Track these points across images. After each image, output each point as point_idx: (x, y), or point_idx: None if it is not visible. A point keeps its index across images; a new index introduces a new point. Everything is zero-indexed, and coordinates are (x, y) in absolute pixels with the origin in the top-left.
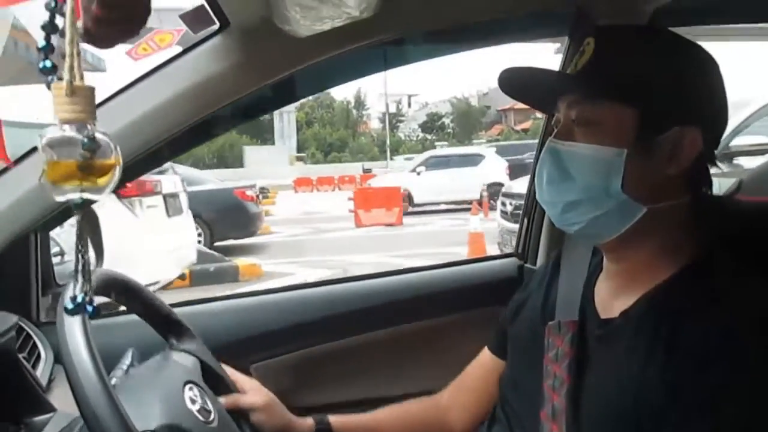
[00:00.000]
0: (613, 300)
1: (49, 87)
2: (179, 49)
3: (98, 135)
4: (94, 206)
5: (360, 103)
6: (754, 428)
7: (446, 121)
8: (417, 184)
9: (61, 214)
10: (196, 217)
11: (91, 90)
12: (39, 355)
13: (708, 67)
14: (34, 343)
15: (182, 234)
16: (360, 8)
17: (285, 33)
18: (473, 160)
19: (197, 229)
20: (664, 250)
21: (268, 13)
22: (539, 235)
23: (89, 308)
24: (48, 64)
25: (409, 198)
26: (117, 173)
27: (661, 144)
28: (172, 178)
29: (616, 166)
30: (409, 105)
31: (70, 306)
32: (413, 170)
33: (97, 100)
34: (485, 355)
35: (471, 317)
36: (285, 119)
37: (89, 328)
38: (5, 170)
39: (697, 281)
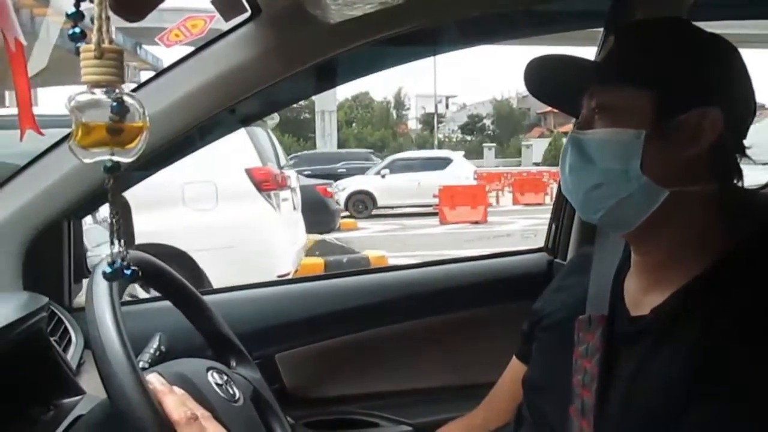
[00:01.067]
0: (643, 296)
1: (77, 53)
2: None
3: (126, 98)
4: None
5: (400, 104)
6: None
7: (487, 122)
8: (380, 186)
9: (92, 201)
10: None
11: (120, 52)
12: (70, 340)
13: (728, 53)
14: (65, 327)
15: (301, 227)
16: None
17: (317, 20)
18: (439, 163)
19: None
20: (692, 243)
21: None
22: (570, 230)
23: (127, 272)
24: (77, 30)
25: (372, 200)
26: (145, 136)
27: (680, 125)
28: (293, 173)
29: (634, 147)
30: (447, 106)
31: (108, 270)
32: (377, 173)
33: (130, 88)
34: (514, 365)
35: (498, 312)
36: (327, 118)
37: (119, 313)
38: (39, 157)
39: (729, 276)
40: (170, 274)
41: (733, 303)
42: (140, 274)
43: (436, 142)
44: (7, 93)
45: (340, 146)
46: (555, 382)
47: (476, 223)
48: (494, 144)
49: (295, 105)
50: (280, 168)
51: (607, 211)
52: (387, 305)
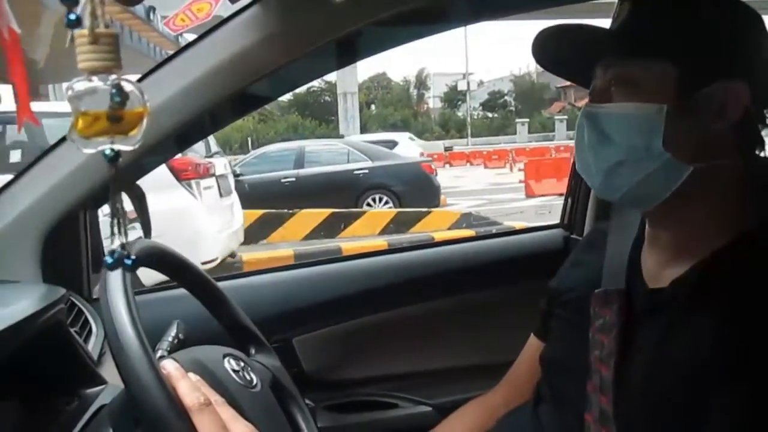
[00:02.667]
0: (662, 269)
1: (72, 39)
2: (217, 19)
3: (125, 84)
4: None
5: (422, 83)
6: None
7: (508, 99)
8: None
9: (105, 192)
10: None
11: (115, 36)
12: (90, 330)
13: (752, 21)
14: (86, 318)
15: (231, 214)
16: None
17: (322, 0)
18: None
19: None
20: (715, 216)
21: None
22: (585, 206)
23: (128, 261)
24: (73, 17)
25: None
26: (145, 123)
27: (704, 99)
28: (222, 160)
29: (656, 123)
30: (467, 85)
31: (109, 260)
32: None
33: (138, 76)
34: (533, 342)
35: (515, 290)
36: (349, 100)
37: (132, 301)
38: (53, 149)
39: (754, 250)
40: (186, 263)
41: (756, 278)
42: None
43: (469, 120)
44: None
45: (362, 129)
46: (573, 358)
47: (562, 194)
48: (527, 120)
49: (315, 88)
50: (209, 156)
51: (628, 189)
52: (403, 286)
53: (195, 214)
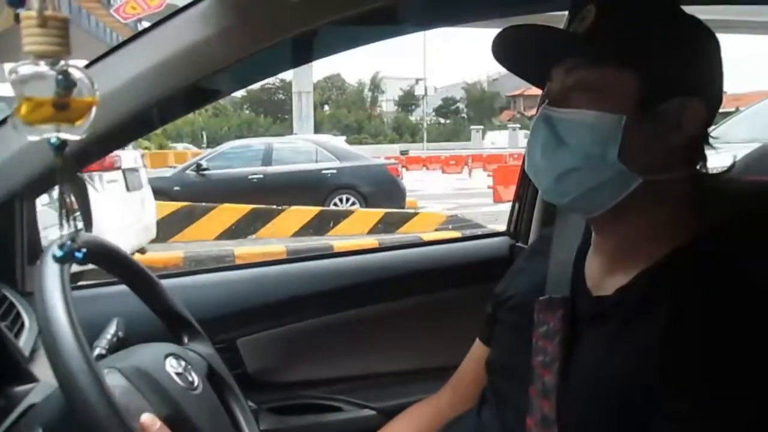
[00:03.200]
0: (606, 276)
1: (17, 19)
2: (169, 9)
3: (73, 71)
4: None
5: (376, 86)
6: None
7: (460, 106)
8: None
9: (45, 180)
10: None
11: (65, 21)
12: (23, 325)
13: (709, 40)
14: (18, 312)
15: (141, 208)
16: None
17: None
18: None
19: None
20: (659, 226)
21: None
22: (531, 214)
23: (78, 254)
24: None
25: None
26: (93, 112)
27: (662, 113)
28: (133, 153)
29: (614, 133)
30: (415, 89)
31: (59, 253)
32: None
33: (83, 64)
34: (478, 347)
35: (462, 295)
36: (304, 99)
37: (70, 298)
38: None
39: (696, 261)
40: (119, 252)
41: (697, 288)
42: (88, 255)
43: (425, 125)
44: None
45: (316, 129)
46: (516, 363)
47: None
48: (482, 126)
49: (269, 85)
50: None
51: (577, 195)
52: (350, 290)
53: (98, 208)
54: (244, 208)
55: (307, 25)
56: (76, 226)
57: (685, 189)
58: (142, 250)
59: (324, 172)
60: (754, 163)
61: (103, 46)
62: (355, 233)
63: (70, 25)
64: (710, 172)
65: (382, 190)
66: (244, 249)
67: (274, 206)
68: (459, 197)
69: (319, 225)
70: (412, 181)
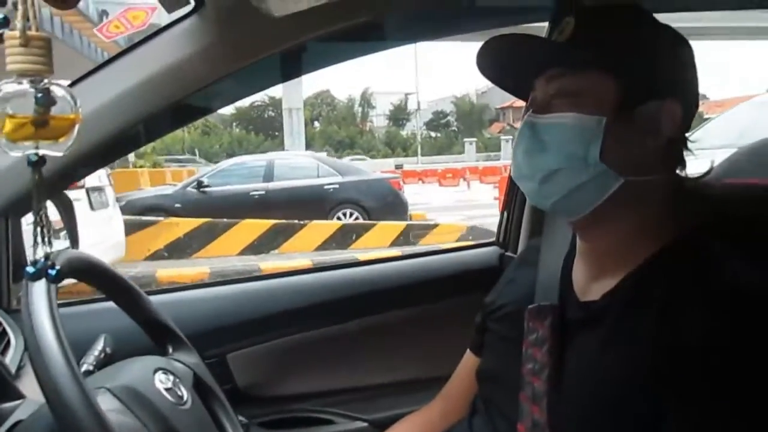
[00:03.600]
0: (592, 282)
1: (1, 39)
2: (153, 28)
3: (55, 89)
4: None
5: (367, 101)
6: (743, 407)
7: (451, 119)
8: None
9: (30, 199)
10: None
11: (47, 40)
12: (9, 342)
13: (683, 46)
14: (4, 329)
15: (108, 227)
16: None
17: (262, 14)
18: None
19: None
20: (641, 229)
21: None
22: (520, 223)
23: (51, 272)
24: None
25: None
26: (76, 130)
27: (640, 115)
28: (97, 172)
29: (595, 134)
30: (406, 103)
31: (31, 270)
32: None
33: (68, 82)
34: (468, 357)
35: (452, 306)
36: (294, 116)
37: (57, 314)
38: None
39: (679, 262)
40: (102, 266)
41: (680, 288)
42: (69, 271)
43: (419, 138)
44: None
45: (307, 145)
46: (506, 371)
47: None
48: (475, 139)
49: (258, 102)
50: None
51: (561, 197)
52: (339, 303)
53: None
54: (267, 224)
55: (290, 41)
56: (50, 244)
57: (665, 192)
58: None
59: (326, 187)
60: (731, 167)
61: (93, 65)
62: (378, 246)
63: (61, 45)
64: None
65: (385, 203)
66: (269, 264)
67: (296, 221)
68: (464, 209)
69: (342, 238)
70: (410, 194)
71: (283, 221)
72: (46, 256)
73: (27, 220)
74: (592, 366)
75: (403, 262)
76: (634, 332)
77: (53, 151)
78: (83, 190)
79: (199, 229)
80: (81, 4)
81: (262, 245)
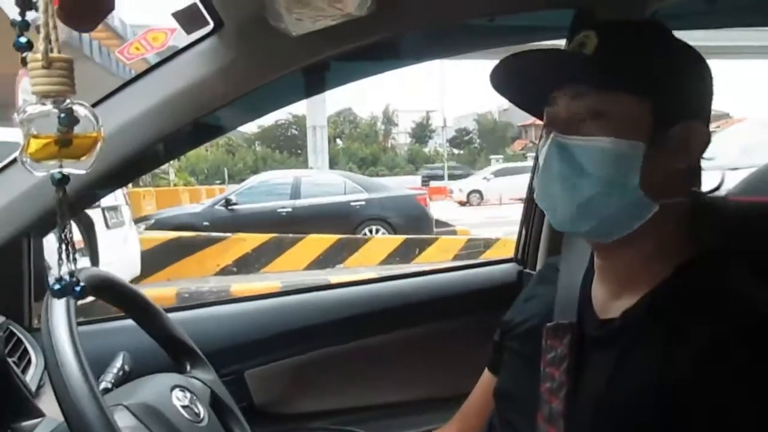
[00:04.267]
0: (611, 301)
1: (24, 63)
2: (173, 49)
3: (78, 108)
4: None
5: (389, 119)
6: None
7: (473, 136)
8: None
9: (52, 219)
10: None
11: (69, 62)
12: (30, 361)
13: (702, 65)
14: (25, 348)
15: (123, 246)
16: (355, 6)
17: (280, 33)
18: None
19: (382, 229)
20: (660, 249)
21: (262, 12)
22: (538, 240)
23: (76, 289)
24: (23, 40)
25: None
26: (98, 148)
27: (671, 137)
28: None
29: (634, 159)
30: (428, 121)
31: (57, 287)
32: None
33: (91, 102)
34: (487, 376)
35: (470, 323)
36: (318, 134)
37: (76, 333)
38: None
39: (698, 280)
40: (122, 284)
41: (699, 305)
42: (89, 288)
43: (445, 155)
44: None
45: (331, 162)
46: (524, 390)
47: None
48: (501, 156)
49: (281, 120)
50: None
51: (597, 223)
52: (357, 319)
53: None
54: (332, 238)
55: (309, 59)
56: (75, 261)
57: (685, 209)
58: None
59: (353, 204)
60: (748, 185)
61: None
62: (440, 260)
63: (96, 65)
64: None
65: (411, 219)
66: (337, 278)
67: (359, 236)
68: (501, 225)
69: (405, 252)
70: (440, 211)
71: (349, 236)
72: (71, 273)
73: (48, 240)
74: (607, 386)
75: (420, 279)
76: (651, 352)
77: (76, 169)
78: (99, 210)
79: (267, 244)
80: (116, 24)
81: (328, 260)
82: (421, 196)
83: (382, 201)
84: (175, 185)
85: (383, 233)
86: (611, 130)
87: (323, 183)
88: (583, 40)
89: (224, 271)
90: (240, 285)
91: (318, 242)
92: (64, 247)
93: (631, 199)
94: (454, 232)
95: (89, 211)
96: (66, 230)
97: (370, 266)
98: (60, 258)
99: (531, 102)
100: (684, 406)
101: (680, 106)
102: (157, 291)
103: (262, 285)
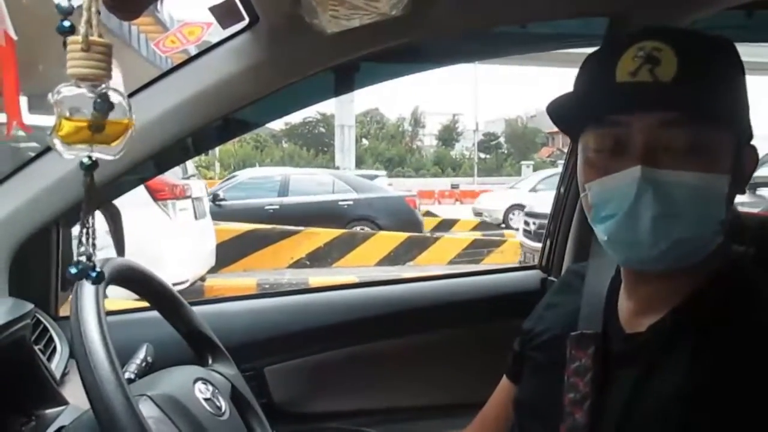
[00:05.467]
0: (639, 315)
1: (65, 45)
2: (207, 43)
3: (112, 94)
4: (119, 204)
5: (417, 121)
6: None
7: (501, 141)
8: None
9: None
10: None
11: (108, 47)
12: (55, 349)
13: (744, 79)
14: (51, 336)
15: (207, 236)
16: (391, 6)
17: (314, 30)
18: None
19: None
20: (694, 265)
21: (297, 8)
22: (564, 248)
23: (92, 273)
24: (66, 24)
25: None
26: (129, 135)
27: (740, 165)
28: (199, 183)
29: (723, 194)
30: (456, 124)
31: (73, 270)
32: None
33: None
34: (505, 384)
35: (491, 329)
36: (346, 133)
37: (104, 322)
38: (28, 163)
39: (722, 295)
40: (148, 275)
41: (725, 319)
42: (116, 278)
43: (476, 159)
44: None
45: (357, 162)
46: (546, 401)
47: None
48: (532, 162)
49: (310, 119)
50: (185, 178)
51: (673, 259)
52: (379, 320)
53: (168, 234)
54: (401, 236)
55: (342, 57)
56: (94, 246)
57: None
58: (203, 278)
59: (341, 203)
60: None
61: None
62: (509, 261)
63: (140, 57)
64: None
65: (400, 221)
66: (408, 275)
67: (429, 234)
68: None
69: (474, 252)
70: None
71: (418, 234)
72: (88, 257)
73: (76, 231)
74: (631, 400)
75: (442, 282)
76: (678, 367)
77: (105, 155)
78: (190, 200)
79: (339, 239)
80: (165, 18)
81: (398, 257)
82: (411, 197)
83: (371, 201)
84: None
85: None
86: (704, 165)
87: (312, 181)
88: (650, 53)
89: (297, 264)
90: (317, 278)
91: (388, 239)
92: (84, 231)
93: (714, 231)
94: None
95: (181, 201)
96: (89, 215)
97: (439, 264)
98: (80, 242)
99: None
100: (709, 422)
101: (746, 131)
102: (237, 281)
103: (338, 279)
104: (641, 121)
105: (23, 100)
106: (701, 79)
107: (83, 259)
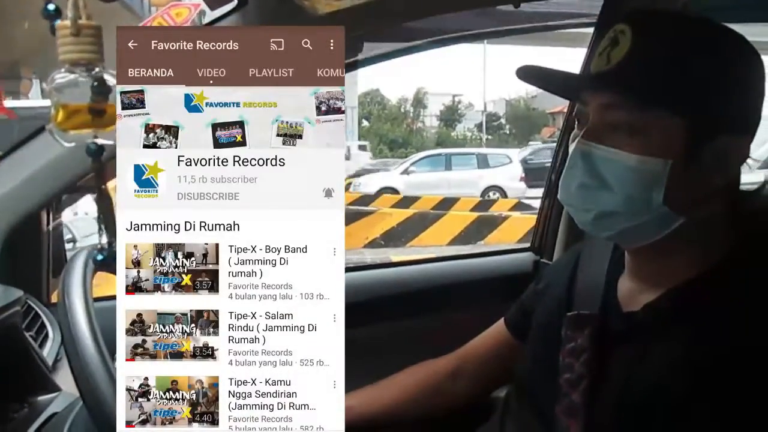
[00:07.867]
0: (637, 294)
1: (53, 31)
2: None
3: (108, 77)
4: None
5: (419, 101)
6: None
7: (503, 121)
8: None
9: (72, 193)
10: None
11: (98, 29)
12: (47, 335)
13: (755, 64)
14: (42, 323)
15: None
16: None
17: (304, 11)
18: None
19: None
20: (693, 249)
21: None
22: (556, 231)
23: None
24: (51, 7)
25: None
26: None
27: (707, 153)
28: None
29: (660, 177)
30: (457, 105)
31: (98, 257)
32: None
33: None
34: (500, 328)
35: (483, 311)
36: (349, 114)
37: (91, 305)
38: (17, 147)
39: (727, 278)
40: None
41: (727, 306)
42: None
43: (484, 140)
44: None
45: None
46: (541, 381)
47: None
48: (538, 143)
49: None
50: None
51: (616, 233)
52: (370, 304)
53: None
54: (471, 216)
55: None
56: (114, 234)
57: (720, 214)
58: None
59: None
60: None
61: None
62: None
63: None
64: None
65: None
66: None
67: (497, 213)
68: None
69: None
70: None
71: (488, 213)
72: (110, 244)
73: (79, 213)
74: (627, 379)
75: (435, 265)
76: (674, 346)
77: (110, 140)
78: None
79: (411, 219)
80: None
81: (469, 236)
82: None
83: None
84: None
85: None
86: (641, 146)
87: None
88: (615, 36)
89: (372, 244)
90: (397, 257)
91: (458, 219)
92: (102, 218)
93: (655, 214)
94: None
95: None
96: (105, 202)
97: (509, 243)
98: (100, 229)
99: (560, 92)
100: (705, 401)
101: (721, 120)
102: None
103: (415, 258)
104: (594, 101)
105: (35, 84)
106: (649, 62)
107: (104, 245)
